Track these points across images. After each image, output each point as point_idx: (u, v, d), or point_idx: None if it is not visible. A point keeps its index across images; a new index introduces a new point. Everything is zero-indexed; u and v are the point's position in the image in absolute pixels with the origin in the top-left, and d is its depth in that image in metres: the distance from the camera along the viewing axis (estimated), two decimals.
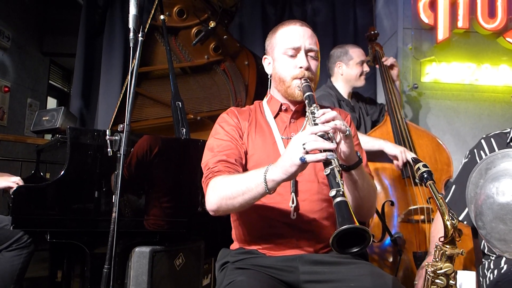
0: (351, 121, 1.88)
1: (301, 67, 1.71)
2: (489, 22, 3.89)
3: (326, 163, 1.33)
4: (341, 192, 1.27)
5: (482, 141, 2.07)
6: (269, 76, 1.87)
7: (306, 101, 1.62)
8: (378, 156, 2.90)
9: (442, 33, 3.87)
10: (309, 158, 1.32)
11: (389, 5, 4.38)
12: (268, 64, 1.86)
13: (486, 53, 3.98)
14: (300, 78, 1.71)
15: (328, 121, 1.43)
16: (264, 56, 1.89)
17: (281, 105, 1.82)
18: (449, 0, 3.87)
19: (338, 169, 1.32)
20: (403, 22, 4.03)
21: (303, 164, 1.34)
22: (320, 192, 1.68)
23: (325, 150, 1.33)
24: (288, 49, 1.74)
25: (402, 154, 2.77)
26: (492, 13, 3.90)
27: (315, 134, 1.36)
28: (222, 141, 1.72)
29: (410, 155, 2.77)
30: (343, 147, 1.50)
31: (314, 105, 1.56)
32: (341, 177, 1.33)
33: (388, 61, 3.34)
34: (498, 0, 3.88)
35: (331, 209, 1.69)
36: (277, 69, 1.78)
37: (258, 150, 1.72)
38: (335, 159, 1.33)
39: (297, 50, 1.73)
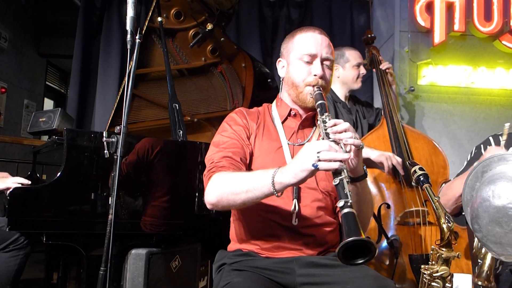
0: None
1: (315, 75, 1.72)
2: (485, 25, 3.91)
3: (336, 173, 1.35)
4: (349, 204, 1.29)
5: (491, 138, 2.09)
6: (281, 79, 1.88)
7: (318, 109, 1.62)
8: (374, 161, 2.91)
9: (438, 36, 3.88)
10: (321, 166, 1.33)
11: (385, 8, 4.39)
12: (281, 67, 1.86)
13: (482, 56, 4.00)
14: (313, 86, 1.72)
15: (339, 132, 1.45)
16: (279, 59, 1.89)
17: (290, 110, 1.83)
18: (445, 3, 3.88)
19: (347, 180, 1.34)
20: (399, 25, 4.04)
21: (314, 170, 1.35)
22: (321, 200, 1.70)
23: (336, 160, 1.34)
24: (304, 55, 1.74)
25: (387, 160, 2.76)
26: (488, 17, 3.91)
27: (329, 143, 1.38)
28: (228, 139, 1.72)
29: (396, 160, 2.77)
30: (353, 159, 1.51)
31: (326, 113, 1.56)
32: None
33: (384, 65, 3.34)
34: (494, 4, 3.90)
35: (329, 217, 1.72)
36: (291, 73, 1.79)
37: (264, 153, 1.73)
38: (345, 170, 1.35)
39: (313, 57, 1.74)
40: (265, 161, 1.70)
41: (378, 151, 2.85)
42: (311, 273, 1.57)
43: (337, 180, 1.33)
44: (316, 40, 1.76)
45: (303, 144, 1.74)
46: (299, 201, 1.66)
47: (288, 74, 1.80)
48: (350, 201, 1.29)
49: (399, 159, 2.79)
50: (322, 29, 1.83)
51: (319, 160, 1.33)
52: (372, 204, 1.78)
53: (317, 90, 1.70)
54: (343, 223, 1.26)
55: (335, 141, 1.41)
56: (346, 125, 1.46)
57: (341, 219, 1.27)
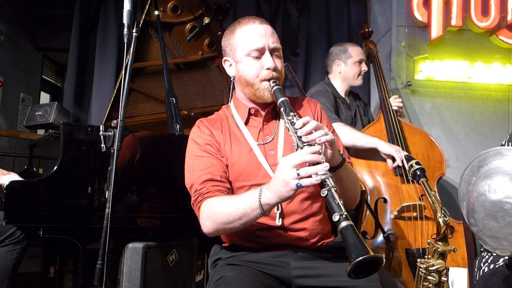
0: (321, 109, 1.85)
1: (268, 69, 1.65)
2: (482, 20, 3.91)
3: (322, 183, 1.30)
4: (344, 216, 1.24)
5: None
6: (231, 79, 1.80)
7: (282, 109, 1.56)
8: (371, 155, 2.91)
9: (435, 31, 3.88)
10: (304, 182, 1.29)
11: (383, 2, 4.39)
12: (229, 66, 1.78)
13: (479, 51, 4.00)
14: (269, 80, 1.65)
15: (310, 133, 1.40)
16: (224, 58, 1.79)
17: (250, 109, 1.75)
18: None
19: (335, 188, 1.29)
20: (397, 19, 4.03)
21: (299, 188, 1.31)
22: (304, 191, 1.64)
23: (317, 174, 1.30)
24: (252, 51, 1.65)
25: (397, 153, 2.77)
26: (485, 12, 3.91)
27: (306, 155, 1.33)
28: (201, 158, 1.66)
29: (403, 154, 2.77)
30: (327, 153, 1.47)
31: (292, 113, 1.51)
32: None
33: (394, 102, 3.27)
34: None
35: (316, 206, 1.69)
36: (242, 72, 1.70)
37: (237, 160, 1.67)
38: (330, 178, 1.31)
39: (261, 50, 1.66)
40: (241, 168, 1.65)
41: (386, 143, 2.85)
42: (306, 265, 1.57)
43: (325, 192, 1.29)
44: (259, 31, 1.67)
45: (271, 141, 1.70)
46: None
47: (239, 73, 1.71)
48: (345, 212, 1.24)
49: (405, 153, 2.80)
50: (261, 18, 1.73)
51: (301, 178, 1.29)
52: (357, 177, 1.75)
53: (275, 85, 1.63)
54: (343, 237, 1.21)
55: (309, 144, 1.38)
56: (314, 123, 1.41)
57: (340, 233, 1.23)
